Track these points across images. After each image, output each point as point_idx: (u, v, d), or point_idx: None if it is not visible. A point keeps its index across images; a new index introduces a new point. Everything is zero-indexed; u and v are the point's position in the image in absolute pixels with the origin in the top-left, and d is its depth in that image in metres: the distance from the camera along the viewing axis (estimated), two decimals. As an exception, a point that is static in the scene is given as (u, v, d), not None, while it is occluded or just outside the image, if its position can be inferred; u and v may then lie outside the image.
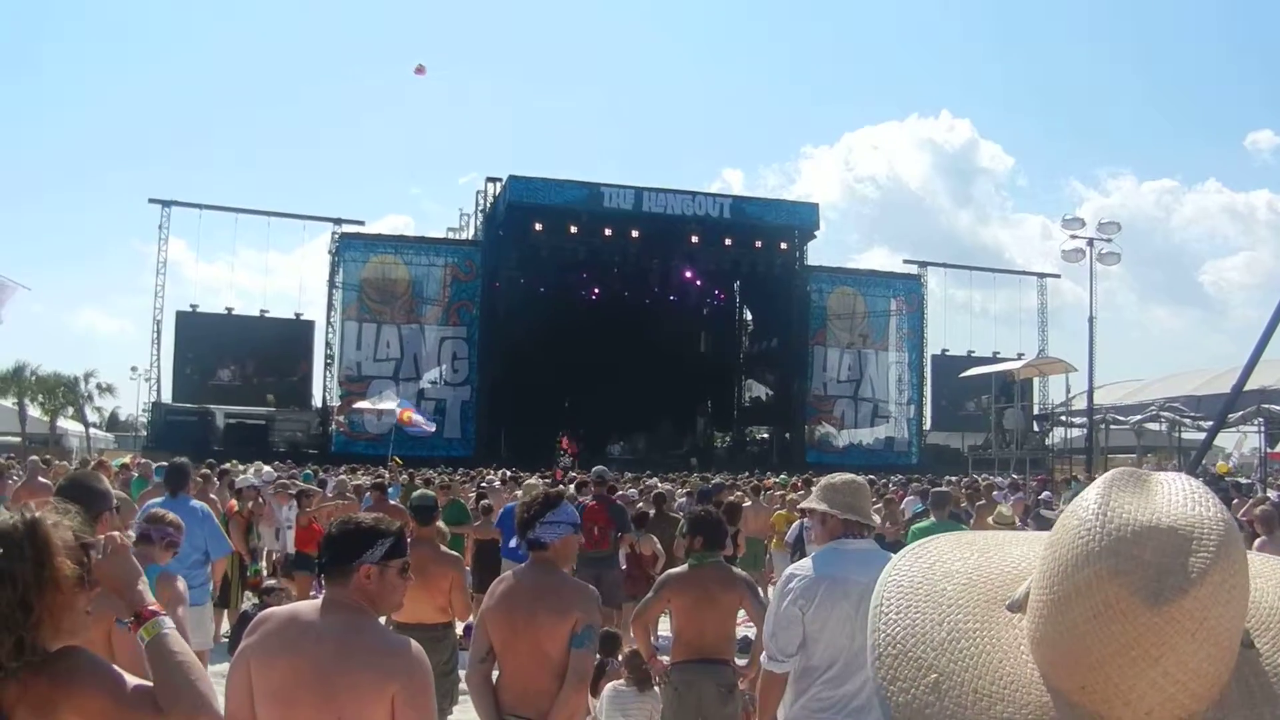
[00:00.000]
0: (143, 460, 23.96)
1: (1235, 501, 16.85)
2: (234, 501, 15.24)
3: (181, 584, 6.49)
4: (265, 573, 15.31)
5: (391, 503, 15.38)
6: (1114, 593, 1.20)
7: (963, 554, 1.50)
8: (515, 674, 5.39)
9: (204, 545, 9.87)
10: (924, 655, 1.35)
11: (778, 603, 5.45)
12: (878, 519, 6.42)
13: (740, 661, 7.41)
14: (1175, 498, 1.27)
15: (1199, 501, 1.26)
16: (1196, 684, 1.20)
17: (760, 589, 16.45)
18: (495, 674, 5.54)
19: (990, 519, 13.55)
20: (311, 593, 14.66)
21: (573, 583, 5.57)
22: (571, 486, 17.88)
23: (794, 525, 15.39)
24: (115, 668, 2.76)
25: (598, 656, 5.41)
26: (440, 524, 9.46)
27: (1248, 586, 1.25)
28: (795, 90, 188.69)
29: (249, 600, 13.74)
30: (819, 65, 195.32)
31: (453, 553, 8.55)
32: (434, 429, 38.59)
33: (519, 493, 17.79)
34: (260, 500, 15.99)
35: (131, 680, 2.73)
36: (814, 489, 5.96)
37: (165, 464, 17.05)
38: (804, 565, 5.58)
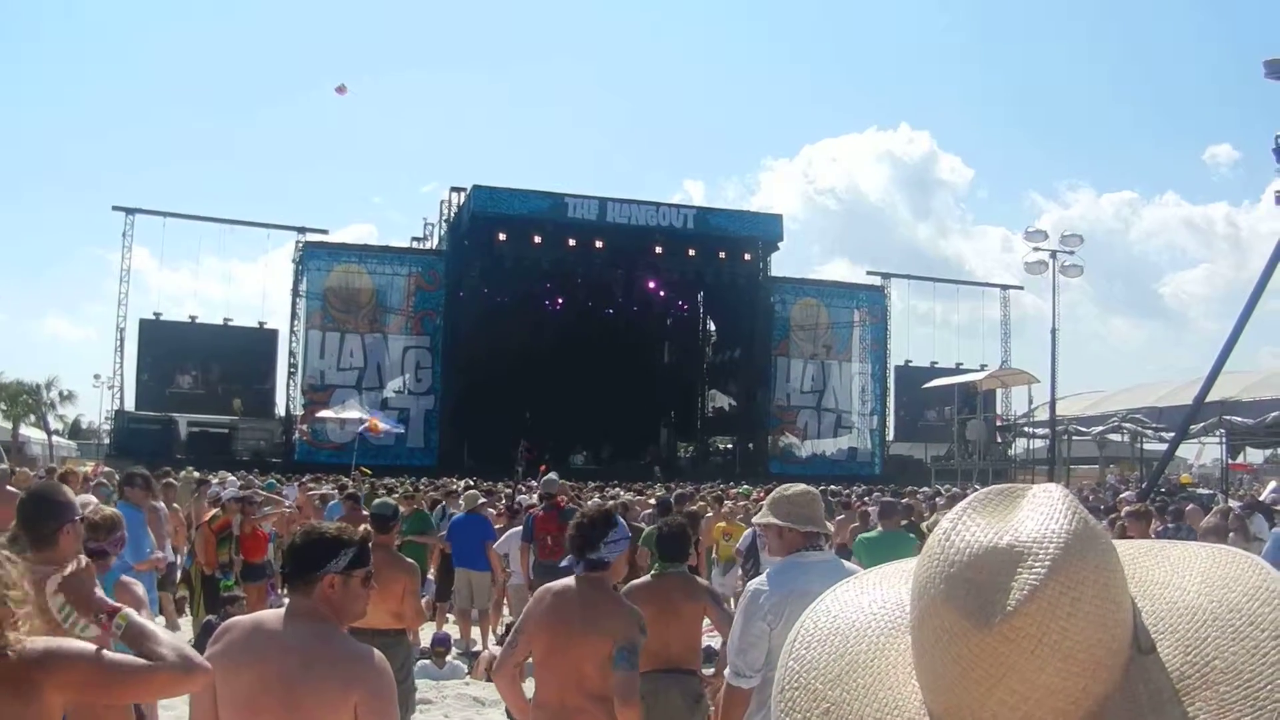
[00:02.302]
0: (106, 469, 23.84)
1: (1191, 509, 16.81)
2: (210, 512, 15.18)
3: (140, 588, 6.51)
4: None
5: (365, 512, 15.39)
6: (947, 617, 1.20)
7: (889, 583, 1.49)
8: (551, 689, 5.43)
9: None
10: (819, 688, 1.37)
11: (744, 619, 5.44)
12: (831, 527, 6.43)
13: (706, 671, 7.45)
14: (1029, 515, 1.25)
15: (1050, 517, 1.24)
16: (1054, 700, 1.19)
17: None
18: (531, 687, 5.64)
19: (924, 525, 13.55)
20: (269, 600, 14.64)
21: (618, 602, 5.59)
22: (534, 496, 17.89)
23: (745, 534, 15.43)
24: (90, 645, 2.86)
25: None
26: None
27: (1111, 598, 1.21)
28: (755, 102, 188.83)
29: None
30: (778, 78, 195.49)
31: (408, 559, 8.57)
32: (386, 430, 38.66)
33: (461, 503, 17.82)
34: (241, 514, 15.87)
35: (109, 651, 2.82)
36: (765, 503, 5.95)
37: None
38: (765, 580, 5.57)
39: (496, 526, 16.66)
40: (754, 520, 8.30)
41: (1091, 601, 1.19)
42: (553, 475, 16.74)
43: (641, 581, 7.26)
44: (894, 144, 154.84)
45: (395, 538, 8.76)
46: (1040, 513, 1.25)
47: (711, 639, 8.91)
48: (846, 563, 5.80)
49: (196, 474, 24.15)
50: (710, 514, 18.66)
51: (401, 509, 12.88)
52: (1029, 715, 1.19)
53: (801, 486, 5.91)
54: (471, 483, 27.03)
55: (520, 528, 15.11)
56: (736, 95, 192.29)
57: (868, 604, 1.46)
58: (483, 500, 17.55)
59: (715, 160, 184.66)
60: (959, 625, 1.20)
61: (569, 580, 5.66)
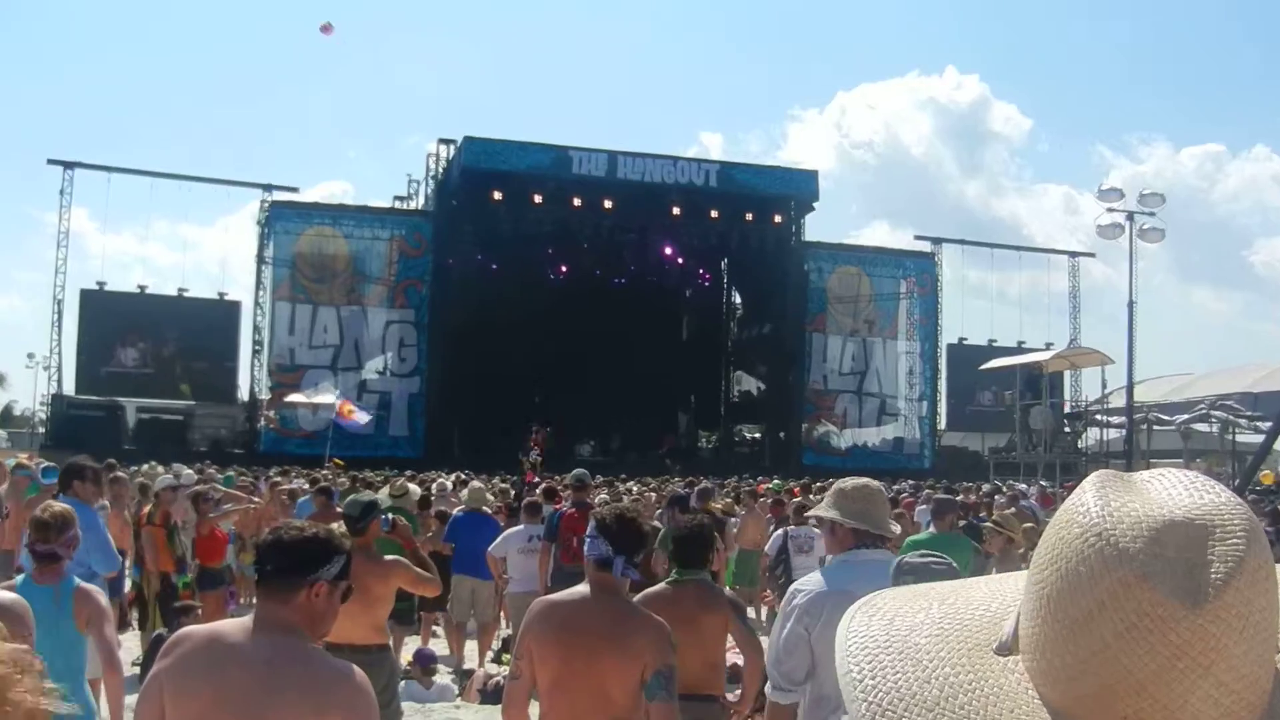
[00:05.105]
0: (39, 460, 23.78)
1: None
2: (146, 508, 15.06)
3: (104, 597, 6.48)
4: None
5: (338, 509, 15.30)
6: (1147, 599, 1.17)
7: (920, 605, 1.48)
8: (564, 714, 5.37)
9: (87, 558, 9.80)
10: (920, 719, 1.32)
11: (780, 623, 5.45)
12: (896, 528, 6.42)
13: (730, 696, 7.37)
14: (1174, 490, 1.26)
15: (1204, 489, 1.25)
16: (1250, 692, 1.19)
17: (753, 608, 16.54)
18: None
19: (991, 521, 13.45)
20: (229, 610, 14.56)
21: (642, 615, 5.53)
22: (538, 492, 17.86)
23: (774, 536, 15.39)
24: None
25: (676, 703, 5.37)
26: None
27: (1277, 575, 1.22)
28: (780, 44, 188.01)
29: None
30: (807, 15, 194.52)
31: (390, 556, 8.40)
32: (367, 420, 38.66)
33: (463, 494, 17.77)
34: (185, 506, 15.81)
35: None
36: (826, 495, 6.01)
37: (54, 464, 16.91)
38: (810, 580, 5.61)
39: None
40: (808, 512, 8.31)
41: (1275, 578, 1.22)
42: (583, 471, 16.64)
43: (655, 590, 7.16)
44: (940, 90, 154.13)
45: (373, 538, 8.52)
46: (1185, 488, 1.26)
47: (735, 657, 8.80)
48: None
49: (162, 469, 23.96)
50: (743, 512, 18.67)
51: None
52: (1229, 711, 1.19)
53: (862, 480, 6.03)
54: (466, 476, 27.00)
55: (520, 528, 15.06)
56: (759, 35, 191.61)
57: (922, 623, 1.43)
58: (490, 498, 17.54)
59: (735, 110, 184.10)
60: (1165, 608, 1.17)
61: (580, 589, 5.59)
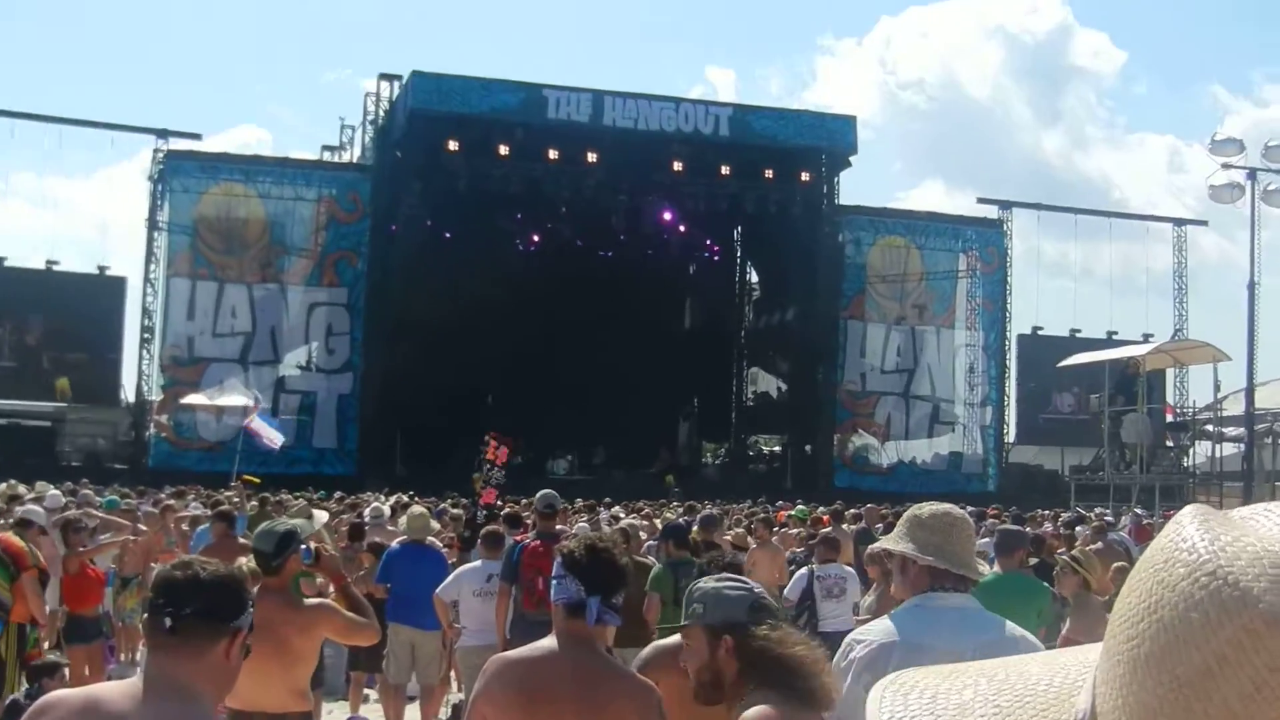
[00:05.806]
0: None
1: None
2: (14, 539, 14.92)
3: None
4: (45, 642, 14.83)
5: (242, 540, 15.18)
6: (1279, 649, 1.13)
7: (964, 681, 1.46)
8: None
9: None
10: None
11: (837, 681, 5.45)
12: (983, 567, 6.41)
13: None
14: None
15: None
16: None
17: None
18: None
19: (1071, 554, 13.48)
20: (108, 669, 14.48)
21: (622, 674, 5.57)
22: (501, 518, 17.87)
23: (797, 576, 15.39)
24: None
25: None
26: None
27: None
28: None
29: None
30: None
31: (313, 600, 8.29)
32: (280, 443, 38.33)
33: (402, 521, 17.76)
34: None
35: None
36: (898, 523, 6.06)
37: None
38: (875, 629, 5.69)
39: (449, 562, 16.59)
40: (874, 545, 8.32)
41: None
42: (551, 492, 16.60)
43: (669, 643, 7.15)
44: (1010, 15, 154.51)
45: (290, 577, 8.32)
46: None
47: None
48: (991, 614, 5.77)
49: (24, 489, 23.90)
50: (755, 545, 18.66)
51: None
52: None
53: (943, 507, 6.02)
54: (409, 498, 26.98)
55: (476, 564, 15.02)
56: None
57: (971, 702, 1.41)
58: (436, 525, 17.48)
59: (751, 40, 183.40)
60: None
61: (546, 643, 5.61)
